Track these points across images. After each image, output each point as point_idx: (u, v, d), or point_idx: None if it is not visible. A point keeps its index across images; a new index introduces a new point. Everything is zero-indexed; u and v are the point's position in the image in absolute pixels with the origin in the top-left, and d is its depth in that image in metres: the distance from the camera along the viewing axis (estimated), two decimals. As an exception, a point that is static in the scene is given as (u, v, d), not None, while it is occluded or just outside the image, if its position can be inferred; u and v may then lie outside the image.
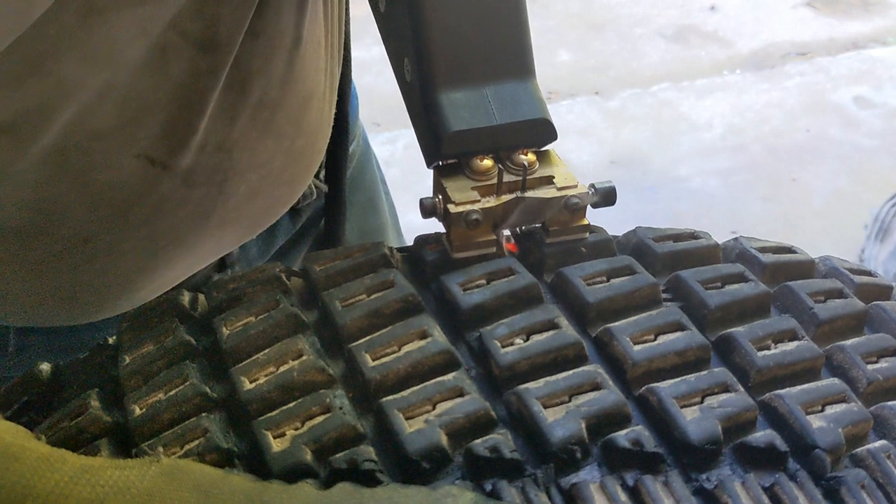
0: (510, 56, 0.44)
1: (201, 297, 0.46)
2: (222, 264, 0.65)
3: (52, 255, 0.50)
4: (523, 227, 0.44)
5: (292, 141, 0.55)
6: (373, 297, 0.40)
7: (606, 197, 0.44)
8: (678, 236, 0.45)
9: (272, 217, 0.61)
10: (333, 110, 0.63)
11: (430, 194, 0.45)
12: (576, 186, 0.43)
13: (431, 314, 0.40)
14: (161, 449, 0.32)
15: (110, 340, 0.46)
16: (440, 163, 0.45)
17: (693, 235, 0.45)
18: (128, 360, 0.42)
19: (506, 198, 0.42)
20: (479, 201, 0.42)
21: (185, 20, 0.44)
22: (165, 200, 0.50)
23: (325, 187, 0.70)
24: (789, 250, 0.47)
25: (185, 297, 0.45)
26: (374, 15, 0.50)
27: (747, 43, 2.82)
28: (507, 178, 0.43)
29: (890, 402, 0.39)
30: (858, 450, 0.37)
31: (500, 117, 0.43)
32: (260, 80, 0.50)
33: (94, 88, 0.43)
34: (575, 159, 2.32)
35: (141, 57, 0.43)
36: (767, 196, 2.20)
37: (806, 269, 0.46)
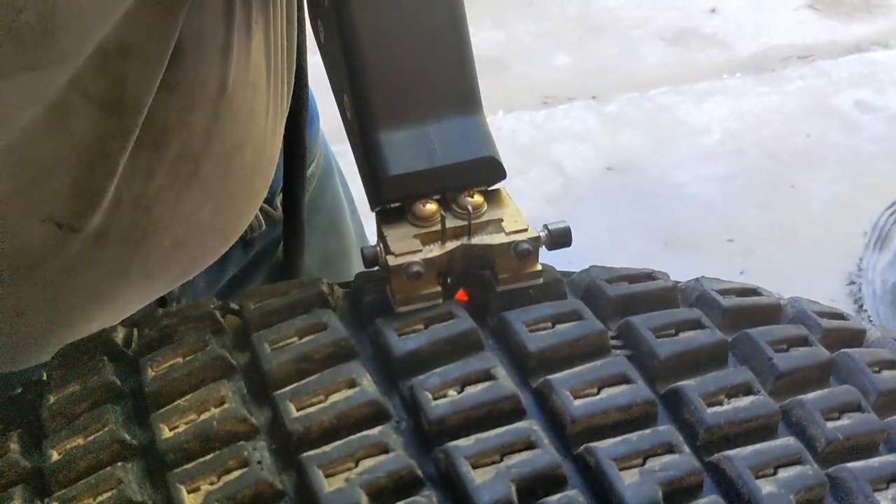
0: (454, 90, 0.42)
1: (136, 332, 0.44)
2: (163, 300, 0.63)
3: None
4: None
5: (221, 189, 0.54)
6: (304, 340, 0.38)
7: (560, 238, 0.42)
8: (634, 277, 0.43)
9: (205, 263, 0.59)
10: (279, 144, 0.61)
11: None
12: (526, 230, 0.41)
13: (365, 360, 0.38)
14: None
15: (44, 376, 0.44)
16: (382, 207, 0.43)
17: (650, 276, 0.44)
18: (52, 399, 0.41)
19: (450, 245, 0.40)
20: (420, 251, 0.40)
21: (87, 79, 0.42)
22: (76, 261, 0.48)
23: (279, 215, 0.68)
24: (754, 292, 0.45)
25: (120, 334, 0.43)
26: (317, 44, 0.48)
27: (747, 46, 2.79)
28: (451, 223, 0.41)
29: (850, 464, 0.37)
30: (811, 518, 0.35)
31: (442, 157, 0.41)
32: (179, 134, 0.48)
33: None
34: (570, 165, 2.30)
35: (36, 119, 0.41)
36: (765, 202, 2.19)
37: (771, 313, 0.44)
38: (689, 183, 2.26)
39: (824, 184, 2.24)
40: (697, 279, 0.45)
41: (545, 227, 0.42)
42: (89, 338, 0.44)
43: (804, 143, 2.40)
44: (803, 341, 0.42)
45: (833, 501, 0.36)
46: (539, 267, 0.41)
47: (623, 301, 0.41)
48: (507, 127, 2.44)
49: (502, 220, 0.41)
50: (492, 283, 0.41)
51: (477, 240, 0.41)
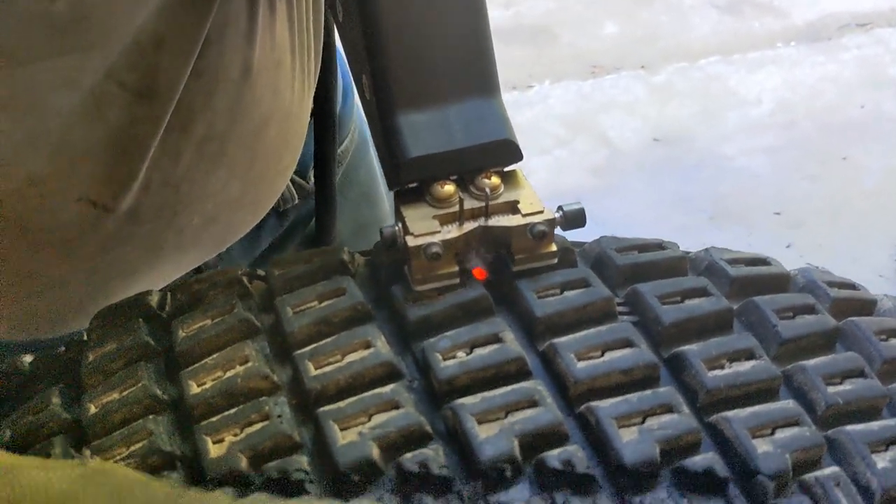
0: (473, 72, 0.43)
1: (170, 297, 0.47)
2: (199, 269, 0.66)
3: None
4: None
5: (249, 166, 0.55)
6: (323, 304, 0.41)
7: (574, 220, 0.43)
8: (643, 246, 0.45)
9: (236, 236, 0.61)
10: (307, 118, 0.62)
11: None
12: (542, 212, 0.42)
13: (381, 324, 0.40)
14: (88, 452, 0.33)
15: (85, 336, 0.47)
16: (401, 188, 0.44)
17: (660, 246, 0.45)
18: (91, 357, 0.44)
19: (468, 227, 0.41)
20: (439, 232, 0.41)
21: (122, 70, 0.44)
22: (110, 238, 0.51)
23: (311, 187, 0.70)
24: (764, 262, 0.46)
25: (154, 297, 0.46)
26: (335, 23, 0.49)
27: (804, 13, 2.74)
28: (469, 204, 0.42)
29: (848, 427, 0.39)
30: (807, 476, 0.37)
31: (462, 139, 0.42)
32: (204, 116, 0.50)
33: (17, 136, 0.43)
34: (616, 136, 2.30)
35: (72, 106, 0.44)
36: (815, 175, 2.16)
37: (779, 282, 0.45)
38: (738, 155, 2.23)
39: (878, 156, 2.20)
40: (707, 249, 0.46)
41: (560, 208, 0.43)
42: (126, 301, 0.47)
43: (859, 115, 2.35)
44: (810, 309, 0.43)
45: (831, 462, 0.38)
46: (554, 247, 0.42)
47: (631, 269, 0.43)
48: (553, 97, 2.44)
49: (518, 202, 0.42)
50: (508, 263, 0.42)
51: (494, 221, 0.42)
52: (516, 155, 0.43)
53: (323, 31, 0.64)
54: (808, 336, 0.42)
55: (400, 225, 0.42)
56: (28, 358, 0.49)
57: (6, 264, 0.50)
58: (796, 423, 0.38)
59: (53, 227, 0.49)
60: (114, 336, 0.44)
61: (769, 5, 2.81)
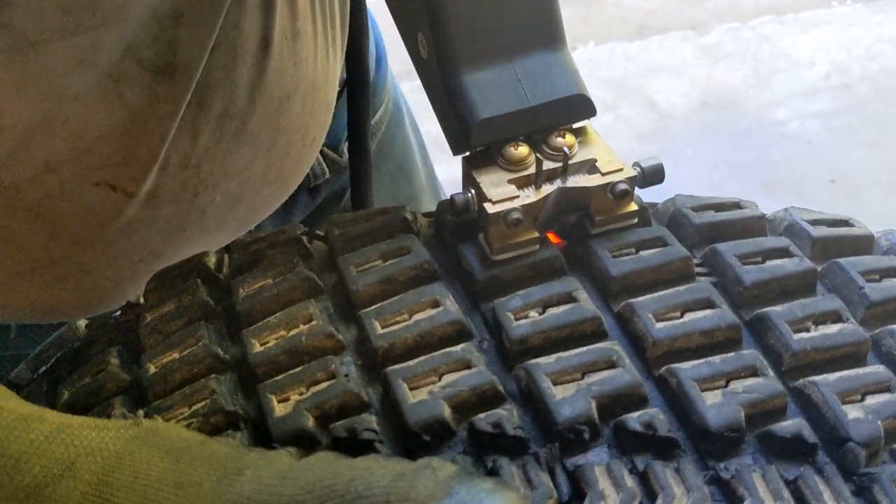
0: (537, 23, 0.41)
1: (227, 258, 0.47)
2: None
3: (19, 275, 0.51)
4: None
5: (272, 142, 0.54)
6: (388, 263, 0.40)
7: (653, 176, 0.41)
8: (720, 206, 0.43)
9: (264, 214, 0.60)
10: (335, 88, 0.61)
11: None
12: (622, 170, 0.40)
13: (448, 283, 0.40)
14: (142, 412, 0.33)
15: (141, 300, 0.47)
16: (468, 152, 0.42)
17: (737, 205, 0.44)
18: (149, 318, 0.44)
19: (546, 189, 0.40)
20: (517, 196, 0.39)
21: (140, 46, 0.43)
22: (131, 222, 0.50)
23: (344, 161, 0.69)
24: (846, 223, 0.45)
25: (212, 258, 0.46)
26: None
27: (861, -28, 2.67)
28: (545, 165, 0.40)
29: (943, 394, 0.38)
30: (900, 444, 0.36)
31: (532, 97, 0.40)
32: (222, 91, 0.49)
33: (34, 121, 0.42)
34: (664, 101, 2.26)
35: (88, 87, 0.43)
36: (872, 142, 2.11)
37: (863, 244, 0.44)
38: (790, 120, 2.19)
39: (939, 121, 2.15)
40: (786, 209, 0.45)
41: (637, 164, 0.42)
42: (182, 262, 0.47)
43: (918, 77, 2.29)
44: (897, 272, 0.42)
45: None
46: (634, 206, 0.41)
47: (709, 229, 0.42)
48: (598, 59, 2.40)
49: (596, 161, 0.41)
50: (586, 226, 0.41)
51: (573, 182, 0.40)
52: (590, 110, 0.42)
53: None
54: (897, 299, 0.40)
55: (473, 191, 0.40)
56: (83, 322, 0.50)
57: (26, 252, 0.49)
58: (887, 390, 0.37)
59: (72, 214, 0.48)
60: (171, 297, 0.44)
61: (825, -37, 2.74)
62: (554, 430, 0.34)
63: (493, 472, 0.33)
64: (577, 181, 0.40)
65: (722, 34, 2.49)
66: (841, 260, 0.41)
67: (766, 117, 2.20)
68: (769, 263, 0.40)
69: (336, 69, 0.60)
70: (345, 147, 0.70)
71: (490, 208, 0.39)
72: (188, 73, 0.46)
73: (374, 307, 0.39)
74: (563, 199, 0.40)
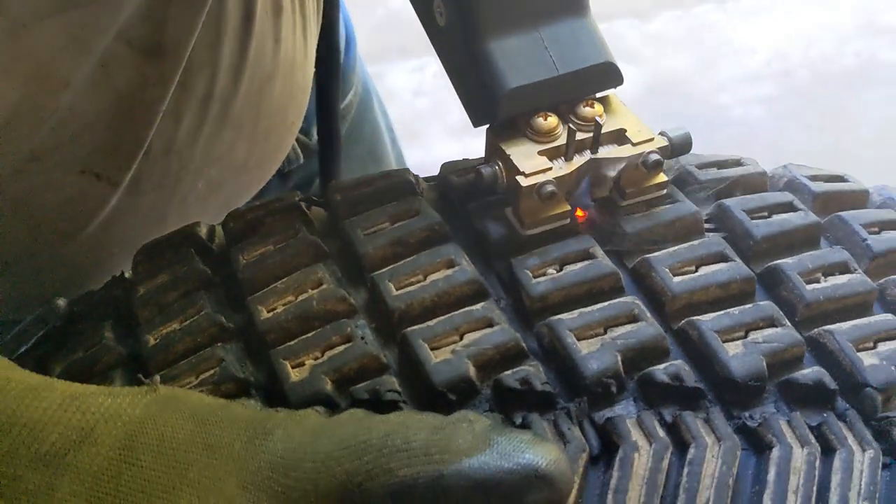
0: None
1: (219, 229, 0.45)
2: None
3: None
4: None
5: (254, 126, 0.53)
6: (396, 225, 0.39)
7: (682, 146, 0.41)
8: (723, 163, 0.44)
9: (241, 201, 0.58)
10: (311, 69, 0.59)
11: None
12: (652, 140, 0.39)
13: (459, 244, 0.39)
14: (158, 378, 0.32)
15: (126, 274, 0.46)
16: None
17: (738, 162, 0.44)
18: (142, 291, 0.42)
19: (577, 161, 0.38)
20: (550, 169, 0.38)
21: (130, 27, 0.42)
22: (113, 212, 0.48)
23: (315, 145, 0.68)
24: (841, 179, 0.45)
25: (203, 229, 0.45)
26: None
27: (796, -40, 2.72)
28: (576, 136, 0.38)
29: (952, 339, 0.38)
30: (913, 388, 0.36)
31: (561, 66, 0.39)
32: (205, 71, 0.47)
33: (22, 107, 0.41)
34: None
35: (78, 70, 0.41)
36: (814, 125, 2.16)
37: (859, 198, 0.44)
38: (734, 105, 2.23)
39: (876, 105, 2.20)
40: (785, 166, 0.46)
41: (664, 133, 0.41)
42: (172, 233, 0.45)
43: (854, 63, 2.35)
44: (894, 224, 0.42)
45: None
46: (664, 177, 0.40)
47: (714, 185, 0.42)
48: (542, 49, 2.41)
49: (626, 131, 0.40)
50: (616, 198, 0.40)
51: (605, 153, 0.39)
52: (619, 78, 0.40)
53: None
54: (898, 250, 0.41)
55: (500, 164, 0.39)
56: (62, 300, 0.48)
57: (6, 245, 0.48)
58: (897, 337, 0.37)
59: (56, 205, 0.46)
60: (164, 269, 0.43)
61: (761, -48, 2.79)
62: (581, 385, 0.33)
63: (523, 428, 0.32)
64: (609, 152, 0.39)
65: (666, 22, 2.52)
66: (843, 213, 0.42)
67: (710, 102, 2.23)
68: (775, 218, 0.40)
69: (311, 50, 0.59)
70: (315, 130, 0.69)
71: (523, 181, 0.37)
72: (177, 54, 0.45)
73: (386, 269, 0.38)
74: (593, 171, 0.39)
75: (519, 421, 0.32)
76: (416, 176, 0.43)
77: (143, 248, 0.45)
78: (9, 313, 0.56)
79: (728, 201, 0.41)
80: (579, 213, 0.39)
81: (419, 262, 0.38)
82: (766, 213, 0.41)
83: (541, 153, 0.39)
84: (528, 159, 0.38)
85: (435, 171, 0.44)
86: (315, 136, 0.69)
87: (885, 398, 0.35)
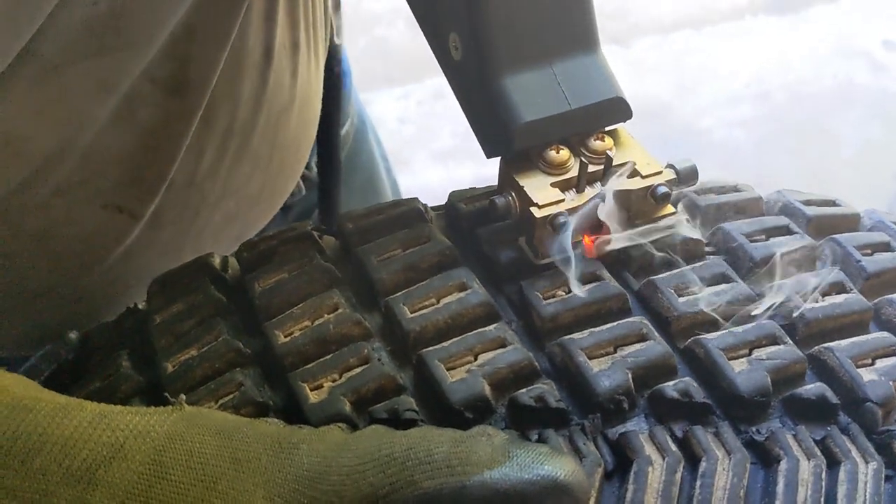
0: (574, 25, 0.41)
1: (232, 259, 0.46)
2: None
3: (15, 305, 0.50)
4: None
5: (269, 158, 0.54)
6: (409, 251, 0.41)
7: (688, 177, 0.42)
8: (721, 189, 0.45)
9: (251, 234, 0.60)
10: (319, 104, 0.60)
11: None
12: (661, 172, 0.41)
13: (470, 268, 0.40)
14: (183, 397, 0.33)
15: (140, 305, 0.47)
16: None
17: (735, 188, 0.46)
18: (158, 319, 0.43)
19: (589, 193, 0.40)
20: (563, 200, 0.39)
21: (155, 66, 0.43)
22: (132, 245, 0.49)
23: (315, 177, 0.69)
24: (833, 203, 0.47)
25: (216, 259, 0.46)
26: None
27: (771, -16, 2.78)
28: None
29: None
30: (912, 403, 0.38)
31: (573, 101, 0.40)
32: (226, 106, 0.48)
33: (50, 146, 0.42)
34: (592, 111, 2.31)
35: (104, 110, 0.42)
36: (794, 147, 2.19)
37: (851, 222, 0.46)
38: (716, 129, 2.26)
39: (854, 126, 2.24)
40: (779, 191, 0.47)
41: (671, 166, 0.42)
42: (186, 264, 0.46)
43: (831, 85, 2.40)
44: (885, 247, 0.44)
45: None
46: (672, 209, 0.41)
47: (714, 210, 0.44)
48: (524, 75, 2.44)
49: (635, 163, 0.41)
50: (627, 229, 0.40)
51: (615, 185, 0.40)
52: (627, 112, 0.42)
53: (325, 11, 0.61)
54: (890, 271, 0.43)
55: (513, 195, 0.40)
56: (74, 333, 0.48)
57: (25, 282, 0.48)
58: (894, 353, 0.39)
59: (77, 238, 0.47)
60: (179, 298, 0.44)
61: (736, -23, 2.85)
62: (594, 402, 0.35)
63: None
64: (620, 184, 0.40)
65: (645, 48, 2.56)
66: (837, 236, 0.43)
67: (692, 126, 2.27)
68: (773, 240, 0.42)
69: (319, 83, 0.61)
70: (314, 161, 0.70)
71: (537, 212, 0.39)
72: (200, 91, 0.46)
73: (400, 293, 0.39)
74: (604, 203, 0.40)
75: (535, 437, 0.34)
76: (425, 205, 0.45)
77: (157, 279, 0.46)
78: (23, 349, 0.57)
79: (728, 225, 0.42)
80: (587, 240, 0.41)
81: (432, 286, 0.39)
82: (763, 237, 0.42)
83: (553, 185, 0.40)
84: (541, 191, 0.39)
85: (422, 196, 0.45)
86: (315, 168, 0.70)
87: (885, 412, 0.37)
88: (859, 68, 2.45)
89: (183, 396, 0.33)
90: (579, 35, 0.41)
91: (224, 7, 0.45)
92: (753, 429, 0.35)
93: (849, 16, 2.65)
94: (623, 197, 0.40)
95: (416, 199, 0.44)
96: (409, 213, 0.43)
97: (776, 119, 2.28)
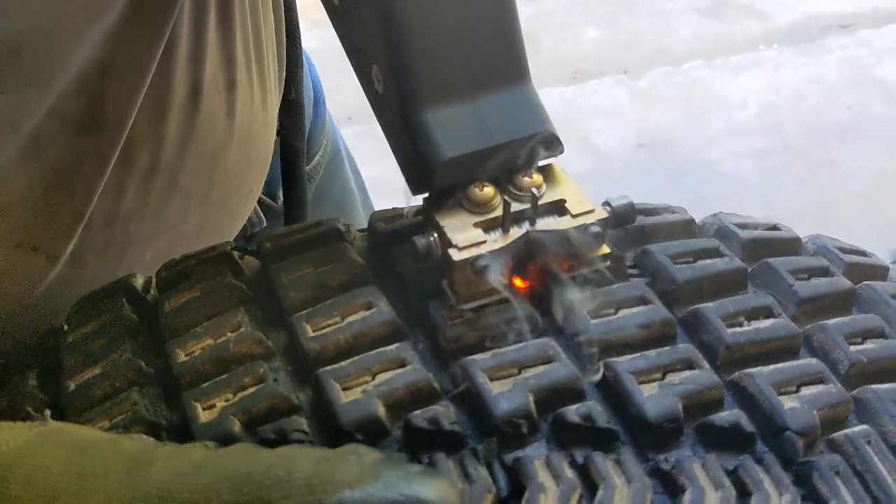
0: (501, 58, 0.39)
1: (155, 277, 0.46)
2: None
3: None
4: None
5: (205, 196, 0.53)
6: (319, 269, 0.40)
7: (624, 216, 0.40)
8: (652, 210, 0.44)
9: None
10: (272, 136, 0.59)
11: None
12: (593, 211, 0.39)
13: (382, 288, 0.39)
14: (48, 412, 0.32)
15: (65, 326, 0.46)
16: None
17: (668, 210, 0.45)
18: (70, 338, 0.43)
19: (515, 233, 0.38)
20: (484, 241, 0.37)
21: (63, 104, 0.42)
22: (53, 284, 0.48)
23: (280, 207, 0.68)
24: (773, 227, 0.46)
25: (139, 280, 0.45)
26: (326, 7, 0.44)
27: (786, 15, 2.78)
28: (513, 207, 0.38)
29: (874, 386, 0.38)
30: (836, 434, 0.36)
31: (498, 136, 0.38)
32: (148, 145, 0.47)
33: None
34: (601, 142, 2.31)
35: (7, 148, 0.41)
36: (804, 178, 2.18)
37: (790, 246, 0.45)
38: (724, 159, 2.25)
39: (866, 159, 2.23)
40: (716, 214, 0.46)
41: (607, 203, 0.40)
42: (108, 284, 0.46)
43: (845, 116, 2.38)
44: (824, 272, 0.43)
45: (857, 421, 0.38)
46: (607, 249, 0.39)
47: (639, 232, 0.43)
48: (533, 104, 2.44)
49: (566, 201, 0.39)
50: (556, 272, 0.39)
51: (543, 225, 0.38)
52: (558, 147, 0.40)
53: (286, 38, 0.60)
54: (826, 296, 0.42)
55: (435, 235, 0.38)
56: None
57: None
58: (821, 381, 0.38)
59: None
60: (94, 318, 0.43)
61: (750, 8, 2.85)
62: (491, 425, 0.34)
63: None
64: (548, 223, 0.38)
65: (655, 78, 2.56)
66: (771, 260, 0.42)
67: (700, 157, 2.26)
68: (700, 263, 0.41)
69: (272, 117, 0.59)
70: (280, 193, 0.69)
71: (455, 255, 0.37)
72: (115, 130, 0.45)
73: (304, 311, 0.38)
74: (532, 243, 0.38)
75: (426, 461, 0.33)
76: (348, 225, 0.44)
77: (79, 300, 0.46)
78: None
79: (652, 246, 0.41)
80: (518, 283, 0.39)
81: (338, 304, 0.38)
82: (690, 259, 0.41)
83: (476, 224, 0.38)
84: (462, 231, 0.38)
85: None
86: (281, 199, 0.69)
87: (808, 442, 0.35)
88: (874, 100, 2.44)
89: (48, 412, 0.32)
90: (507, 67, 0.40)
91: (139, 46, 0.44)
92: (661, 457, 0.34)
93: (865, 47, 2.64)
94: (551, 238, 0.38)
95: (336, 219, 0.43)
96: (327, 233, 0.42)
97: (786, 150, 2.27)
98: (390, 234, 0.42)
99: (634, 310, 0.38)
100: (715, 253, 0.42)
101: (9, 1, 0.38)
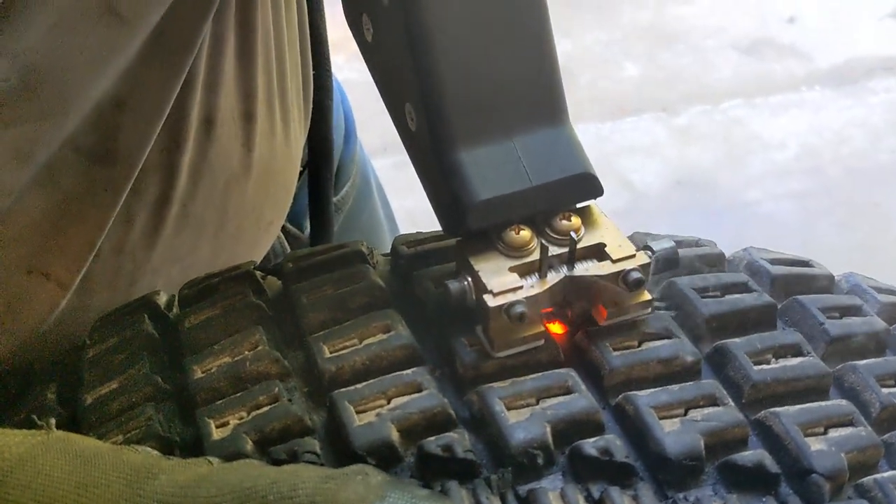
0: (538, 97, 0.38)
1: (177, 295, 0.46)
2: None
3: None
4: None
5: (219, 226, 0.52)
6: (339, 291, 0.40)
7: (668, 262, 0.39)
8: (679, 243, 0.44)
9: None
10: (296, 168, 0.59)
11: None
12: (633, 256, 0.37)
13: (402, 311, 0.39)
14: (52, 421, 0.32)
15: (87, 341, 0.46)
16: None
17: (696, 243, 0.44)
18: (91, 353, 0.43)
19: (553, 279, 0.37)
20: (520, 287, 0.36)
21: (80, 134, 0.42)
22: (65, 313, 0.48)
23: (306, 237, 0.68)
24: (805, 264, 0.45)
25: (163, 297, 0.46)
26: (357, 42, 0.43)
27: (828, 57, 2.76)
28: (550, 251, 0.37)
29: (908, 431, 0.37)
30: (865, 479, 0.35)
31: (535, 177, 0.37)
32: (159, 175, 0.47)
33: None
34: (638, 180, 2.30)
35: (21, 178, 0.42)
36: (845, 222, 2.15)
37: (822, 283, 0.44)
38: (763, 200, 2.23)
39: (910, 203, 2.19)
40: (746, 248, 0.46)
41: (647, 248, 0.39)
42: (132, 301, 0.46)
43: (888, 160, 2.35)
44: (857, 311, 0.42)
45: (887, 466, 0.37)
46: (648, 296, 0.38)
47: (667, 263, 0.42)
48: (570, 140, 2.44)
49: (605, 245, 0.38)
50: (594, 318, 0.38)
51: (581, 270, 0.37)
52: (597, 189, 0.39)
53: (316, 69, 0.60)
54: (857, 336, 0.41)
55: (469, 279, 0.37)
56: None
57: None
58: (850, 423, 0.37)
59: (4, 306, 0.46)
60: (116, 333, 0.43)
61: (791, 48, 2.83)
62: (507, 455, 0.33)
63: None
64: (586, 268, 0.37)
65: (693, 116, 2.55)
66: (801, 297, 0.42)
67: (739, 197, 2.23)
68: (728, 297, 0.40)
69: (297, 149, 0.59)
70: (307, 223, 0.68)
71: (491, 301, 0.36)
72: (130, 162, 0.45)
73: (322, 332, 0.38)
74: (569, 289, 0.37)
75: (438, 489, 0.32)
76: (372, 249, 0.44)
77: (101, 316, 0.46)
78: None
79: (679, 279, 0.41)
80: (558, 329, 0.38)
81: (356, 326, 0.38)
82: (718, 293, 0.41)
83: (512, 269, 0.37)
84: (497, 276, 0.36)
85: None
86: (308, 228, 0.68)
87: (835, 487, 0.34)
88: (918, 144, 2.41)
89: (52, 420, 0.32)
90: (544, 106, 0.39)
91: (156, 81, 0.44)
92: (681, 495, 0.33)
93: (910, 89, 2.61)
94: (591, 284, 0.37)
95: (359, 242, 0.43)
96: (349, 255, 0.42)
97: (827, 193, 2.24)
98: (412, 257, 0.42)
99: (658, 343, 0.38)
100: (744, 288, 0.41)
101: (27, 36, 0.39)
